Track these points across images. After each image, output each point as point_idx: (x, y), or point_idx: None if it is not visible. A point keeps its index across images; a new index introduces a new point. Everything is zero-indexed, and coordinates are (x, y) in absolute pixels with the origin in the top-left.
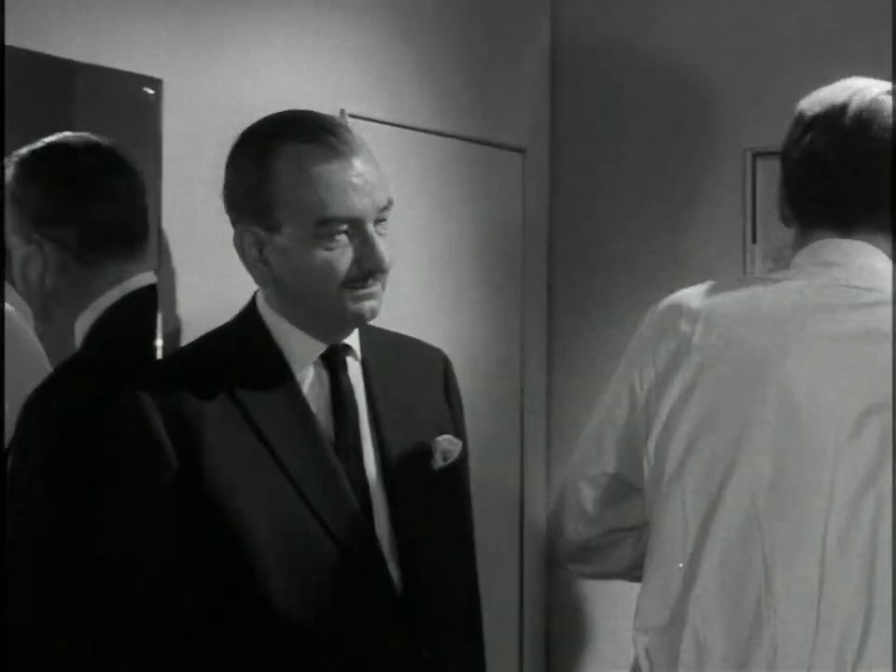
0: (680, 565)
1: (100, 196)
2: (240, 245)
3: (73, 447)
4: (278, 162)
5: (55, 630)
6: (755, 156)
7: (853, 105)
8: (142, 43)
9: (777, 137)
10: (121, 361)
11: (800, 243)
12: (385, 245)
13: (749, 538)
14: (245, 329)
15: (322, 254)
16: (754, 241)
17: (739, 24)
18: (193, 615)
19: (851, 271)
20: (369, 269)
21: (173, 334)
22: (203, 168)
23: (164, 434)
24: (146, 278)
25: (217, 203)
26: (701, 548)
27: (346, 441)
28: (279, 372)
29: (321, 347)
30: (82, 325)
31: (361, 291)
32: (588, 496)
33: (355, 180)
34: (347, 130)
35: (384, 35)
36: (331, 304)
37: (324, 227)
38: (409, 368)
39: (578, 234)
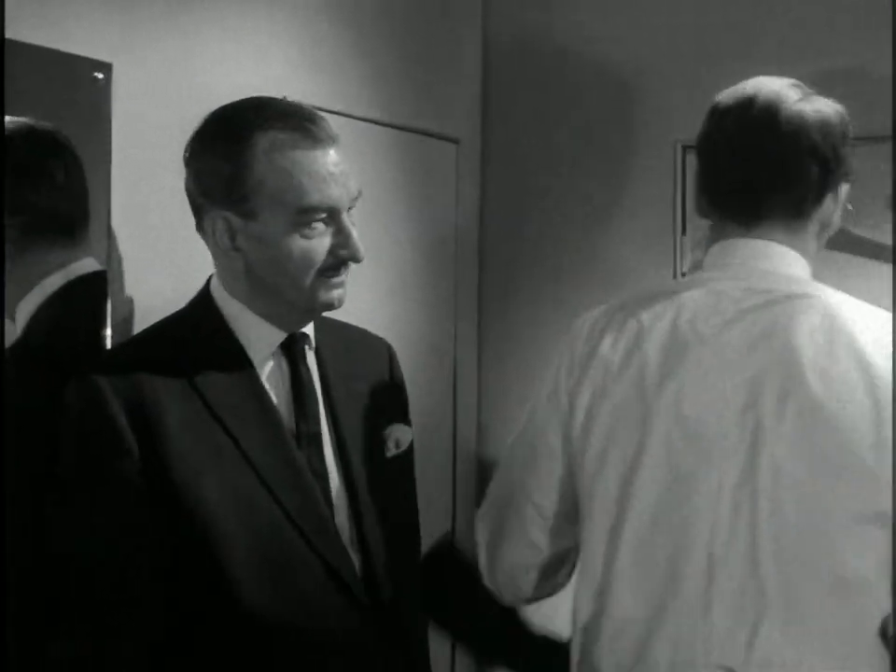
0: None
1: (34, 182)
2: (211, 232)
3: (22, 437)
4: (258, 149)
5: (23, 633)
6: (685, 148)
7: (760, 98)
8: (91, 25)
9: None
10: (68, 348)
11: (713, 238)
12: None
13: (656, 533)
14: (201, 317)
15: (300, 242)
16: (684, 233)
17: (669, 18)
18: (164, 609)
19: (752, 273)
20: (344, 258)
21: (123, 322)
22: (153, 154)
23: (125, 422)
24: (89, 264)
25: (170, 189)
26: (617, 540)
27: (308, 431)
28: (238, 361)
29: (281, 336)
30: (24, 311)
31: (333, 280)
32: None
33: (332, 169)
34: (322, 118)
35: (327, 23)
36: (304, 293)
37: (304, 215)
38: (358, 357)
39: (508, 223)
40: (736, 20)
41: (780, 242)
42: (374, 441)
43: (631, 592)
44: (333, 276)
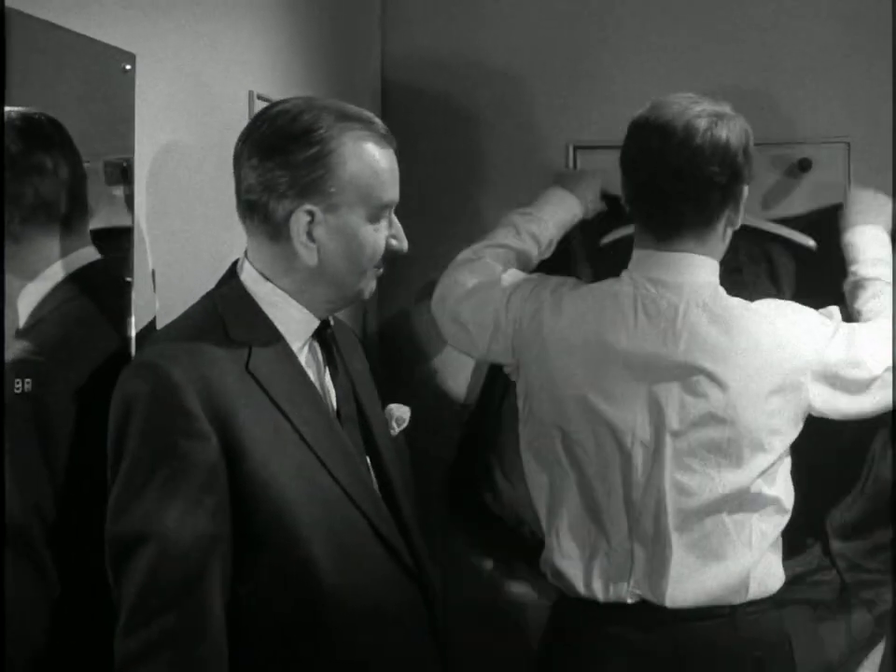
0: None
1: (19, 171)
2: (294, 226)
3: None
4: (347, 147)
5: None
6: (576, 148)
7: (678, 125)
8: (116, 14)
9: (594, 133)
10: (87, 338)
11: (636, 243)
12: None
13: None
14: (238, 304)
15: (373, 235)
16: None
17: (559, 30)
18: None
19: (664, 282)
20: (395, 249)
21: (146, 310)
22: (175, 146)
23: (200, 409)
24: (86, 254)
25: (191, 180)
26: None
27: (347, 413)
28: (280, 346)
29: (316, 322)
30: (26, 302)
31: (378, 272)
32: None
33: (396, 167)
34: (379, 120)
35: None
36: (360, 283)
37: (382, 210)
38: (349, 342)
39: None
40: (624, 29)
41: (692, 251)
42: (383, 421)
43: (570, 541)
44: (380, 268)
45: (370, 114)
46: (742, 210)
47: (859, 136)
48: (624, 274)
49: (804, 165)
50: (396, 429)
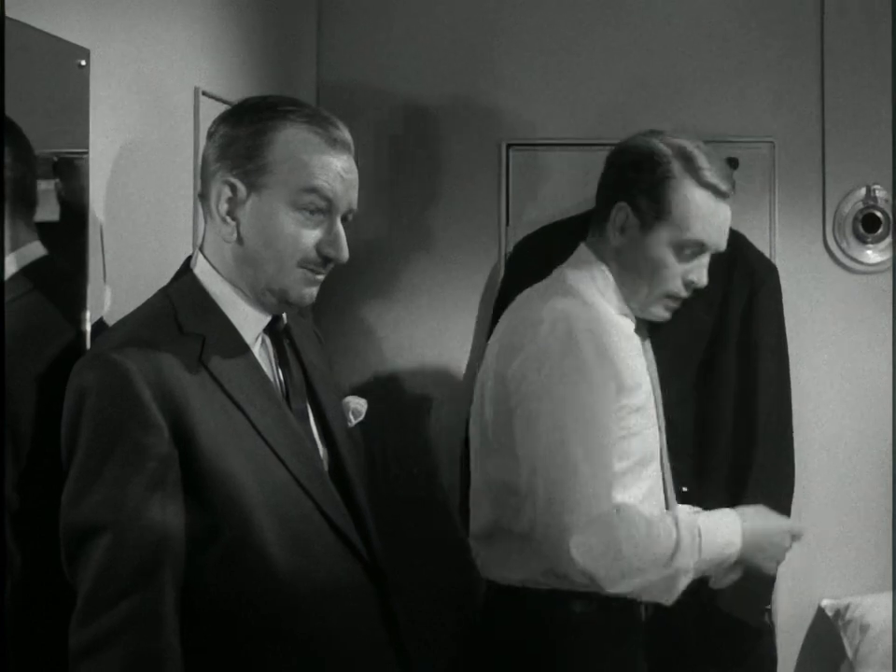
0: None
1: None
2: (215, 197)
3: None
4: (281, 137)
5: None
6: (509, 146)
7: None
8: (71, 10)
9: (527, 132)
10: (45, 331)
11: None
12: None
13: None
14: (191, 297)
15: (294, 224)
16: (508, 223)
17: (493, 38)
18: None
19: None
20: (328, 255)
21: (99, 306)
22: (128, 139)
23: (152, 401)
24: (37, 248)
25: (145, 176)
26: None
27: (298, 406)
28: (234, 340)
29: (267, 318)
30: None
31: (312, 276)
32: None
33: (343, 174)
34: (343, 126)
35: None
36: (283, 279)
37: (306, 195)
38: (308, 337)
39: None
40: (553, 34)
41: (587, 243)
42: (340, 413)
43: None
44: (314, 273)
45: (329, 118)
46: (612, 229)
47: (783, 137)
48: None
49: (731, 164)
50: (353, 421)
